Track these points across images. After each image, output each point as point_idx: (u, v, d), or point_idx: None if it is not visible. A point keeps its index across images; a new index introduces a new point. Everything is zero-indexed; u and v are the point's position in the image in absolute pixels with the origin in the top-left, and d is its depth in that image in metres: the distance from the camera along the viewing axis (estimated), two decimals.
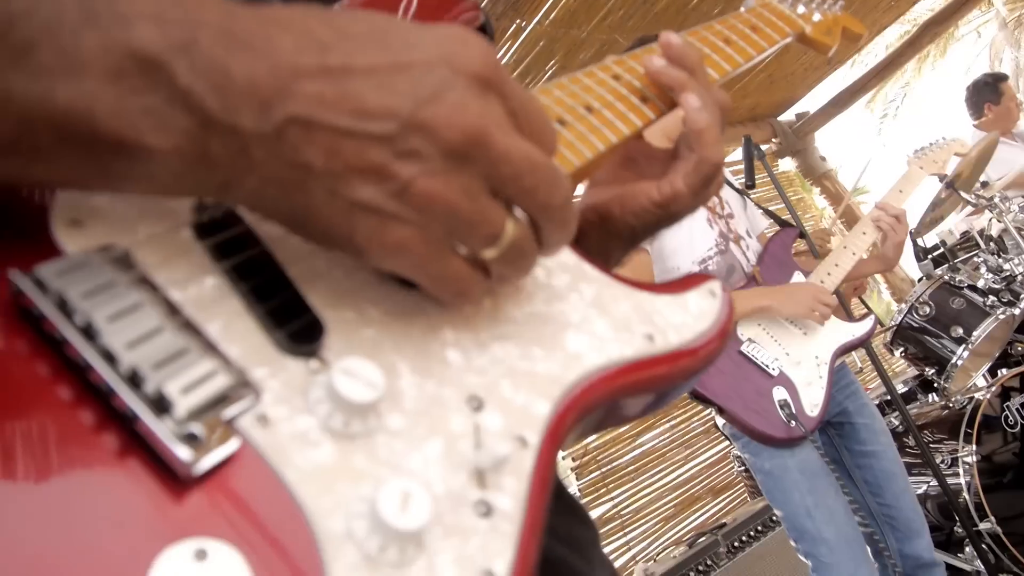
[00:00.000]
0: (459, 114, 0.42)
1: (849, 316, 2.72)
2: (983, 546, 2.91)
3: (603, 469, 5.25)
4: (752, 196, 3.01)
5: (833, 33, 1.05)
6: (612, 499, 5.20)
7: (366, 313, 0.47)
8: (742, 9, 0.97)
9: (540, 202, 0.46)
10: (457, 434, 0.45)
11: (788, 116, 7.20)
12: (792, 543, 2.46)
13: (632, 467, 5.42)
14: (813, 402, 2.38)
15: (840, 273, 2.64)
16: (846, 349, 2.56)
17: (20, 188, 0.43)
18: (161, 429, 0.36)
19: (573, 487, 5.15)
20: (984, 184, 4.09)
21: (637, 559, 5.08)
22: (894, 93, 18.07)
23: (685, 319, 0.60)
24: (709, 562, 3.64)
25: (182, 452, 0.36)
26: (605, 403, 0.54)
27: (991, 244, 3.92)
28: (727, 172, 2.87)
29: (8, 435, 0.35)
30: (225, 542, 0.35)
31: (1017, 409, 3.29)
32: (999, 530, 2.91)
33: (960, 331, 3.56)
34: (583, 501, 5.08)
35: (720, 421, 2.52)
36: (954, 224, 5.06)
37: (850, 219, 6.89)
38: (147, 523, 0.35)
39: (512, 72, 4.51)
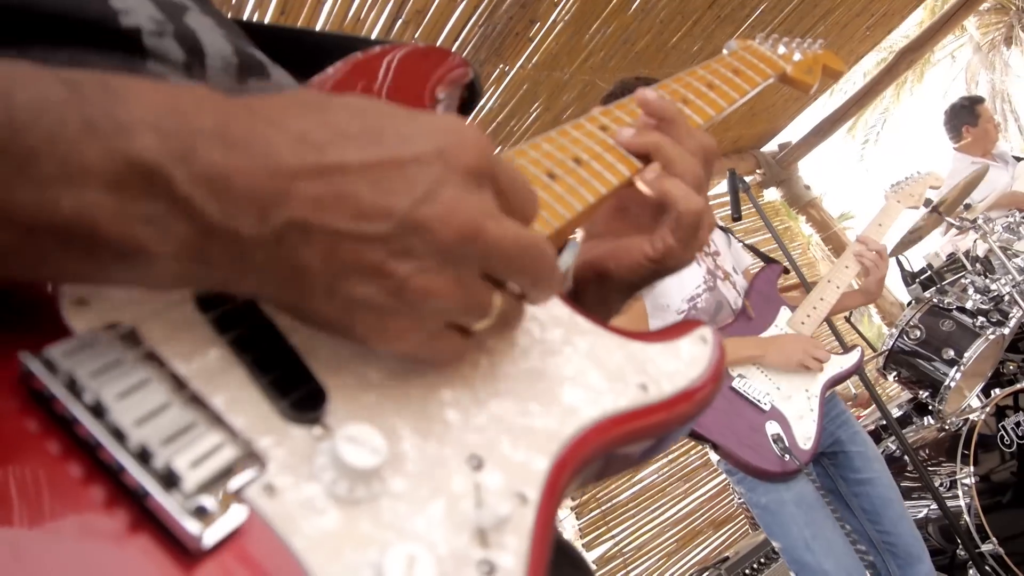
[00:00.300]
0: (453, 213, 0.43)
1: (843, 347, 2.76)
2: (986, 568, 2.90)
3: (603, 507, 5.22)
4: (739, 227, 3.06)
5: (814, 71, 1.08)
6: (613, 537, 5.17)
7: (366, 377, 0.48)
8: (724, 52, 0.99)
9: (529, 279, 0.48)
10: (459, 494, 0.46)
11: (771, 147, 7.29)
12: None
13: (632, 504, 5.40)
14: (806, 435, 2.41)
15: (825, 307, 2.70)
16: (835, 381, 2.60)
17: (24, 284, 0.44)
18: (170, 504, 0.37)
19: (574, 526, 5.12)
20: (967, 206, 4.14)
21: None
22: (874, 119, 18.32)
23: (678, 366, 0.62)
24: None
25: (191, 526, 0.37)
26: (602, 454, 0.55)
27: (977, 265, 3.96)
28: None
29: (21, 514, 0.36)
30: None
31: (1012, 428, 3.30)
32: (1002, 551, 2.91)
33: (951, 353, 3.58)
34: (584, 540, 5.04)
35: (715, 457, 2.53)
36: (940, 246, 5.11)
37: (836, 246, 6.95)
38: None
39: (497, 116, 4.57)
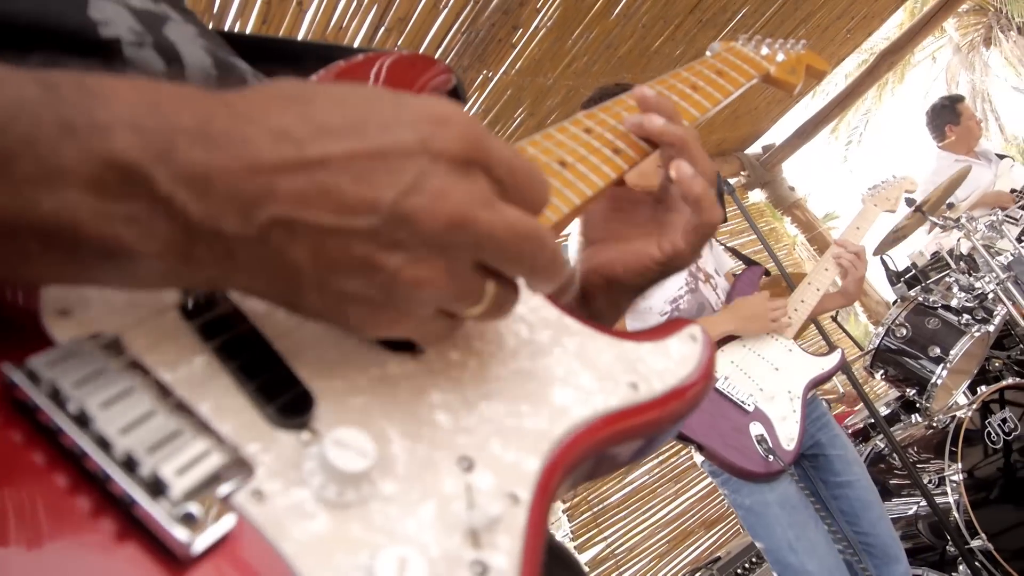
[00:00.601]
0: (440, 202, 0.42)
1: (830, 347, 2.79)
2: (976, 564, 2.92)
3: (594, 509, 5.22)
4: (724, 228, 3.10)
5: (797, 72, 1.09)
6: (605, 539, 5.16)
7: (354, 381, 0.48)
8: (708, 54, 1.00)
9: (526, 267, 0.47)
10: (450, 496, 0.45)
11: (755, 149, 7.33)
12: None
13: (623, 505, 5.40)
14: (789, 436, 2.43)
15: (806, 308, 2.75)
16: (817, 382, 2.63)
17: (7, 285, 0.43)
18: (158, 511, 0.37)
19: (565, 529, 5.11)
20: (950, 205, 4.17)
21: None
22: (857, 120, 18.46)
23: (668, 365, 0.62)
24: None
25: (180, 533, 0.36)
26: (594, 453, 0.55)
27: (961, 263, 3.99)
28: None
29: (6, 525, 0.35)
30: None
31: (998, 425, 3.32)
32: (991, 547, 2.92)
33: (938, 351, 3.61)
34: (576, 543, 5.03)
35: (700, 459, 2.55)
36: (924, 245, 5.14)
37: (822, 246, 6.99)
38: None
39: (481, 122, 4.56)
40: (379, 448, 0.45)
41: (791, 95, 1.11)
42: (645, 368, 0.60)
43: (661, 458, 5.66)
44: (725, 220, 3.05)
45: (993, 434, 3.29)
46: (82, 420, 0.38)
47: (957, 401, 3.79)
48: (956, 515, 3.03)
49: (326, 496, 0.42)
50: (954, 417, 3.34)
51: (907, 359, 3.70)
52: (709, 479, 5.62)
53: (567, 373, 0.56)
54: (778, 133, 7.28)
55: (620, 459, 0.62)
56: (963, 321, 3.63)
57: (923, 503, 3.16)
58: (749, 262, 2.97)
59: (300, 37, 3.35)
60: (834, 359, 2.68)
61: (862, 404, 3.26)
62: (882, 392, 6.26)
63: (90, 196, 0.37)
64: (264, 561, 0.39)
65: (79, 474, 0.38)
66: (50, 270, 0.39)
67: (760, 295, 2.62)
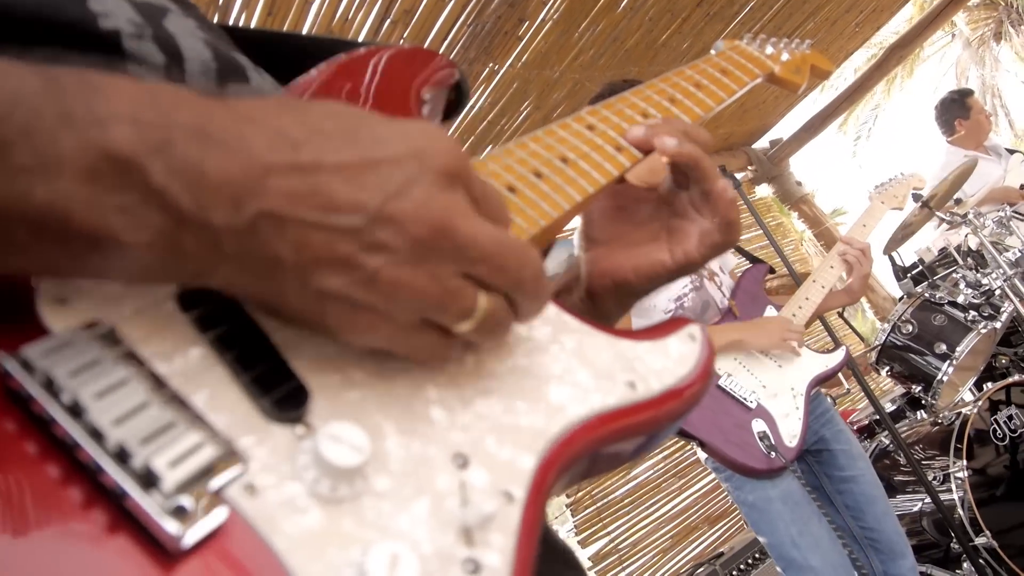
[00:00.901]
0: (425, 207, 0.44)
1: (835, 342, 2.78)
2: (981, 561, 2.91)
3: (598, 504, 5.22)
4: None
5: (802, 71, 1.08)
6: (608, 534, 5.17)
7: (350, 376, 0.48)
8: (712, 52, 0.99)
9: (511, 279, 0.48)
10: (444, 492, 0.45)
11: (762, 143, 7.30)
12: (780, 573, 2.48)
13: (627, 500, 5.39)
14: (791, 433, 2.43)
15: (811, 306, 2.73)
16: (821, 380, 2.62)
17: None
18: (149, 504, 0.37)
19: (569, 524, 5.12)
20: (958, 201, 4.15)
21: None
22: (865, 115, 18.38)
23: (666, 364, 0.61)
24: None
25: (170, 526, 0.36)
26: (590, 452, 0.55)
27: (969, 259, 3.97)
28: None
29: None
30: None
31: (1005, 422, 3.31)
32: (995, 544, 2.92)
33: (944, 347, 3.59)
34: (579, 538, 5.04)
35: (704, 455, 2.55)
36: (931, 241, 5.12)
37: (829, 242, 6.96)
38: None
39: (487, 115, 4.56)
40: (373, 443, 0.45)
41: (795, 94, 1.11)
42: (643, 367, 0.60)
43: (665, 454, 5.66)
44: None
45: (999, 431, 3.28)
46: (75, 411, 0.38)
47: (963, 398, 3.78)
48: (961, 512, 3.02)
49: (319, 491, 0.42)
50: (960, 414, 3.33)
51: (913, 355, 3.68)
52: (713, 475, 5.63)
53: (564, 371, 0.56)
54: (786, 127, 7.27)
55: (618, 457, 0.62)
56: (970, 318, 3.61)
57: (928, 500, 3.16)
58: (754, 259, 2.96)
59: (305, 30, 3.34)
60: (838, 356, 2.67)
61: (867, 401, 3.25)
62: (888, 388, 6.24)
63: (84, 186, 0.37)
64: (255, 555, 0.39)
65: (71, 465, 0.38)
66: (40, 260, 0.39)
67: (783, 318, 2.60)
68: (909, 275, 4.42)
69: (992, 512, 3.02)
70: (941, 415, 3.51)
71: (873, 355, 3.87)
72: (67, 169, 0.37)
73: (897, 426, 3.83)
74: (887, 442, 3.71)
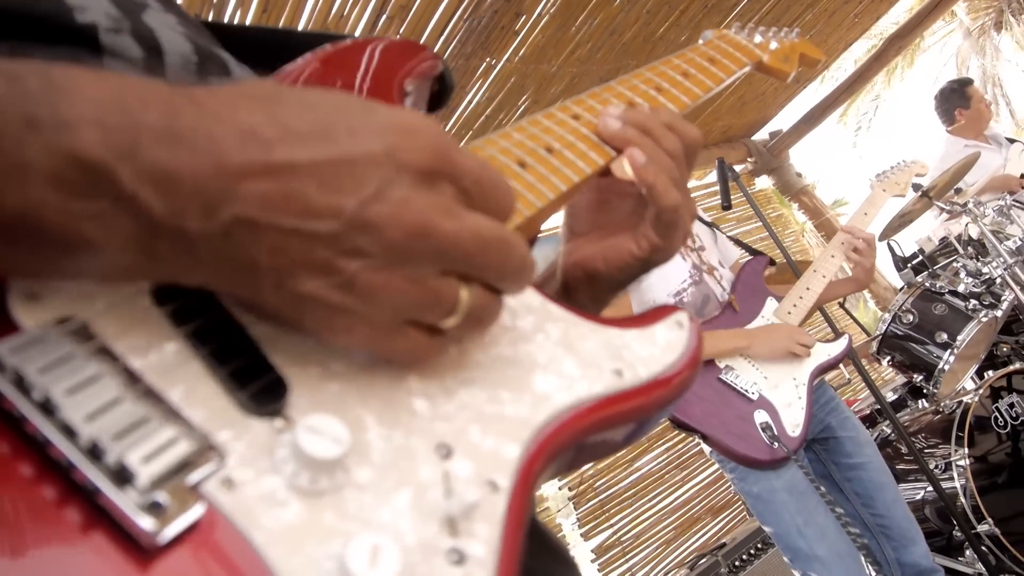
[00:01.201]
0: (402, 212, 0.43)
1: (835, 332, 2.76)
2: (983, 548, 2.91)
3: (601, 496, 5.23)
4: (731, 216, 3.07)
5: (791, 60, 1.08)
6: (612, 526, 5.17)
7: (330, 368, 0.47)
8: (700, 41, 0.99)
9: (494, 274, 0.47)
10: (427, 483, 0.45)
11: (762, 135, 7.29)
12: (787, 562, 2.48)
13: (630, 492, 5.40)
14: (794, 423, 2.42)
15: (812, 296, 2.71)
16: (823, 369, 2.61)
17: None
18: (123, 500, 0.36)
19: (572, 516, 5.12)
20: (957, 190, 4.14)
21: None
22: (866, 106, 18.34)
23: (653, 352, 0.61)
24: None
25: (144, 522, 0.36)
26: (577, 440, 0.54)
27: (969, 248, 3.96)
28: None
29: None
30: None
31: (1006, 410, 3.31)
32: (997, 531, 2.92)
33: (945, 336, 3.58)
34: (582, 530, 5.04)
35: (708, 447, 2.54)
36: (932, 230, 5.10)
37: (830, 233, 6.95)
38: None
39: (485, 109, 4.55)
40: (354, 435, 0.44)
41: (784, 82, 1.10)
42: (630, 355, 0.59)
43: (668, 445, 5.66)
44: (729, 207, 3.02)
45: (1000, 419, 3.27)
46: (47, 407, 0.38)
47: (964, 386, 3.77)
48: (963, 500, 3.02)
49: (298, 484, 0.41)
50: (961, 402, 3.33)
51: (914, 345, 3.67)
52: (716, 466, 5.63)
53: (550, 360, 0.56)
54: (785, 119, 7.23)
55: (608, 445, 0.61)
56: (970, 306, 3.60)
57: (930, 488, 3.16)
58: (754, 252, 2.95)
59: (300, 26, 3.33)
60: (840, 345, 2.66)
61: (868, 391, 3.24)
62: (889, 378, 6.23)
63: (54, 192, 0.36)
64: (233, 550, 0.38)
65: (45, 462, 0.38)
66: (14, 264, 0.39)
67: (797, 329, 2.58)
68: (909, 265, 4.41)
69: (994, 499, 3.02)
70: (942, 404, 3.51)
71: (874, 345, 3.86)
72: (35, 175, 0.36)
73: (899, 415, 3.83)
74: (889, 431, 3.71)
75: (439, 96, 0.80)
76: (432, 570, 0.41)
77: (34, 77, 0.37)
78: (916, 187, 3.73)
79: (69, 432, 0.37)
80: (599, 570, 4.99)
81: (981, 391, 3.33)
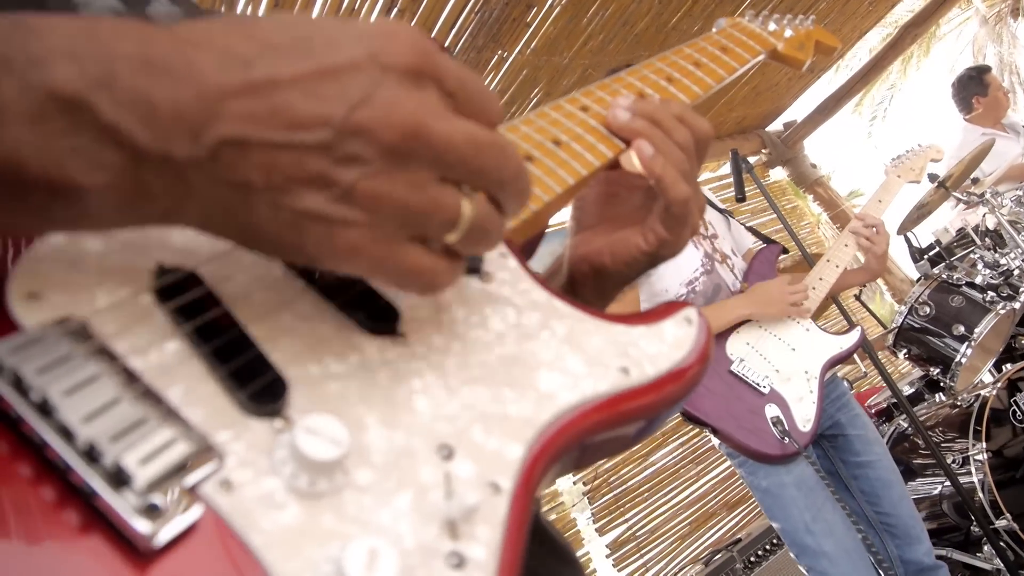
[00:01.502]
0: (393, 112, 0.41)
1: (850, 325, 2.74)
2: (1001, 544, 2.89)
3: (615, 491, 5.21)
4: (746, 207, 3.05)
5: (806, 48, 1.06)
6: (626, 520, 5.16)
7: (330, 367, 0.47)
8: (713, 30, 0.97)
9: (492, 179, 0.46)
10: (427, 485, 0.44)
11: (776, 126, 7.23)
12: (794, 558, 2.47)
13: (645, 487, 5.38)
14: (805, 417, 2.40)
15: (824, 286, 2.68)
16: (835, 362, 2.58)
17: None
18: (119, 503, 0.36)
19: (587, 511, 5.12)
20: (975, 180, 4.09)
21: None
22: (881, 95, 18.18)
23: (661, 349, 0.60)
24: None
25: (140, 525, 0.35)
26: (582, 440, 0.54)
27: (987, 239, 3.91)
28: (709, 193, 2.91)
29: None
30: None
31: None
32: (1016, 527, 2.89)
33: (962, 329, 3.54)
34: (597, 525, 5.04)
35: (717, 441, 2.53)
36: (948, 221, 5.05)
37: (845, 224, 6.89)
38: None
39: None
40: (354, 435, 0.44)
41: (799, 71, 1.08)
42: (637, 352, 0.58)
43: (682, 440, 5.64)
44: (743, 199, 3.00)
45: (1019, 413, 3.24)
46: (44, 409, 0.38)
47: (982, 380, 3.73)
48: (981, 495, 2.99)
49: (297, 486, 0.41)
50: (979, 396, 3.30)
51: (930, 338, 3.64)
52: (730, 461, 5.63)
53: (555, 357, 0.55)
54: (800, 109, 7.17)
55: (617, 443, 0.60)
56: (988, 298, 3.56)
57: (947, 483, 3.13)
58: (767, 240, 2.92)
59: None
60: (853, 338, 2.63)
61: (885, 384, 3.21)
62: (906, 371, 6.18)
63: (32, 131, 0.36)
64: (231, 553, 0.38)
65: (43, 464, 0.38)
66: (1, 217, 0.38)
67: (779, 279, 2.57)
68: (926, 256, 4.36)
69: (1012, 495, 2.99)
70: (960, 397, 3.47)
71: (890, 338, 3.83)
72: (12, 115, 0.35)
73: (915, 409, 3.80)
74: (905, 425, 3.68)
75: None
76: (431, 574, 0.41)
77: (3, 22, 0.37)
78: (932, 177, 3.69)
79: (66, 433, 0.37)
80: (614, 565, 4.98)
81: (999, 384, 3.29)
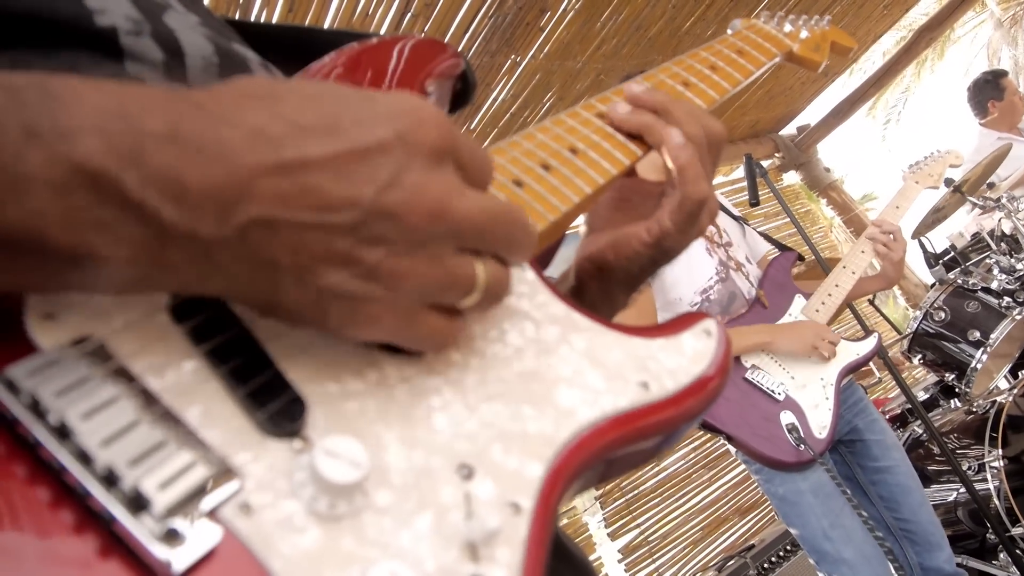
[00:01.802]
0: (420, 196, 0.43)
1: (865, 330, 2.72)
2: (1017, 551, 2.86)
3: (627, 496, 5.20)
4: (759, 212, 3.03)
5: (822, 49, 1.05)
6: (639, 526, 5.14)
7: (349, 386, 0.46)
8: (728, 32, 0.96)
9: (504, 246, 0.48)
10: (447, 506, 0.44)
11: (789, 130, 7.20)
12: (813, 565, 2.46)
13: (657, 492, 5.36)
14: (821, 424, 2.38)
15: (840, 293, 2.65)
16: (851, 369, 2.56)
17: None
18: (138, 529, 0.35)
19: (599, 516, 5.10)
20: (991, 185, 4.06)
21: None
22: (895, 99, 18.09)
23: (680, 362, 0.59)
24: None
25: (160, 551, 0.35)
26: (602, 457, 0.53)
27: (1002, 244, 3.88)
28: (724, 200, 2.89)
29: None
30: None
31: None
32: None
33: (977, 334, 3.52)
34: (609, 530, 5.02)
35: (733, 448, 2.51)
36: (964, 226, 5.02)
37: (859, 228, 6.86)
38: None
39: (510, 107, 4.54)
40: (373, 456, 0.43)
41: (815, 72, 1.07)
42: (657, 366, 0.58)
43: (695, 444, 5.62)
44: (757, 203, 2.98)
45: None
46: (62, 432, 0.37)
47: (998, 386, 3.70)
48: (996, 502, 2.97)
49: (317, 509, 0.40)
50: (995, 402, 3.27)
51: (946, 343, 3.62)
52: (743, 466, 5.59)
53: (574, 373, 0.54)
54: (813, 113, 7.15)
55: (636, 457, 0.60)
56: (1004, 304, 3.54)
57: (963, 490, 3.10)
58: (782, 247, 2.91)
59: (326, 25, 3.34)
60: (870, 344, 2.61)
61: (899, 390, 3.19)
62: (921, 377, 6.14)
63: (57, 202, 0.36)
64: None
65: (61, 488, 0.37)
66: (20, 279, 0.38)
67: (820, 325, 2.54)
68: (941, 261, 4.34)
69: None
70: (975, 403, 3.45)
71: (905, 343, 3.80)
72: (37, 186, 0.35)
73: (930, 415, 3.77)
74: (920, 431, 3.65)
75: (462, 94, 0.79)
76: None
77: (31, 87, 0.37)
78: (948, 182, 3.67)
79: (84, 458, 0.37)
80: (626, 570, 4.97)
81: (1015, 390, 3.26)
